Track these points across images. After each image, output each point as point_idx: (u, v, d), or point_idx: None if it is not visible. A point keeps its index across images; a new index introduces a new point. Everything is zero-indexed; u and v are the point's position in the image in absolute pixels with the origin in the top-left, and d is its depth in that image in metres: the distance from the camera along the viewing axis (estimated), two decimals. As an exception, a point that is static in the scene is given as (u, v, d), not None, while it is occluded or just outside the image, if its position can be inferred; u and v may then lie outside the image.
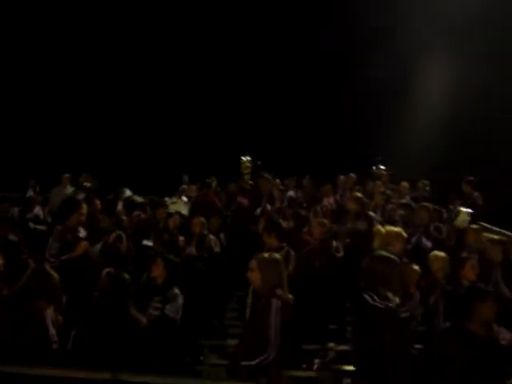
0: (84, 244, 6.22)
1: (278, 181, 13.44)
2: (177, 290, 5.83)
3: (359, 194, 9.55)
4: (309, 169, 13.88)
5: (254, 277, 4.56)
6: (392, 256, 4.90)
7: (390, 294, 4.62)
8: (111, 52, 17.92)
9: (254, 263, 4.61)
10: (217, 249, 8.21)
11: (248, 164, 12.41)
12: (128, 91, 17.83)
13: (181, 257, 7.34)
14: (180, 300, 5.84)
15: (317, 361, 6.96)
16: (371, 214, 8.92)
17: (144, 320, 4.60)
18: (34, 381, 4.26)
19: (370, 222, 8.61)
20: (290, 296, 4.68)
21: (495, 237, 6.98)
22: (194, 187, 12.28)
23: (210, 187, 11.26)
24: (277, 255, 4.90)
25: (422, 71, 15.90)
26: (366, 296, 4.56)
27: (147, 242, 7.79)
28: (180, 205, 10.15)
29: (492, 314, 4.24)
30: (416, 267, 5.84)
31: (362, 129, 16.58)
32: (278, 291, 4.53)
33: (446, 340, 4.28)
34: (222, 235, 8.96)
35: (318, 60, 17.54)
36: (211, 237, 8.22)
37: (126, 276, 4.78)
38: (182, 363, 6.10)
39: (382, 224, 8.51)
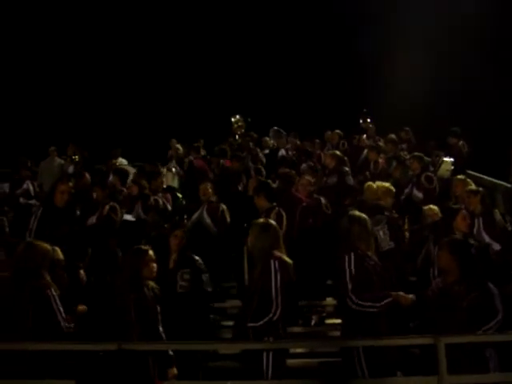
0: None
1: (266, 138, 13.43)
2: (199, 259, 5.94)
3: (337, 152, 9.68)
4: (299, 125, 13.92)
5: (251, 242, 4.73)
6: (363, 215, 5.01)
7: (369, 253, 4.79)
8: (94, 20, 17.57)
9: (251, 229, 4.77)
10: (228, 218, 8.02)
11: (240, 123, 12.19)
12: (114, 57, 17.59)
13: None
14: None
15: (314, 316, 7.20)
16: (346, 169, 9.12)
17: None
18: (42, 356, 4.39)
19: (341, 176, 8.79)
20: (288, 260, 4.81)
21: (473, 187, 6.94)
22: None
23: (199, 152, 11.14)
24: (270, 220, 5.05)
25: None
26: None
27: (130, 218, 7.78)
28: (169, 178, 9.99)
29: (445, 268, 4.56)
30: None
31: (348, 82, 16.53)
32: (275, 252, 4.69)
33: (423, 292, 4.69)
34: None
35: (305, 18, 17.38)
36: (223, 206, 8.04)
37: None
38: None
39: (374, 178, 8.68)
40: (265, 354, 4.47)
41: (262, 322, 4.52)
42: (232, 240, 7.78)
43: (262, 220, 5.02)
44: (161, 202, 8.34)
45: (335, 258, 4.80)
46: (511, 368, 4.26)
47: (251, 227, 4.84)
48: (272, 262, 4.60)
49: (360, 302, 4.52)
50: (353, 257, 4.64)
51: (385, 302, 4.54)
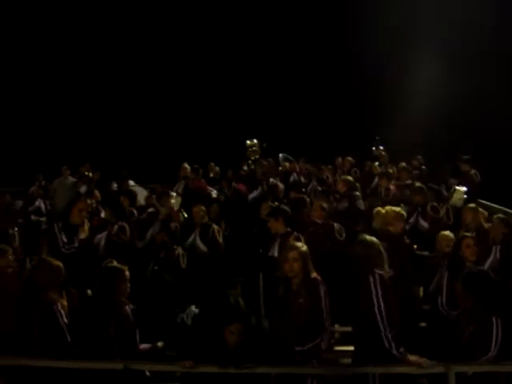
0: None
1: (285, 164, 13.37)
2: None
3: (349, 177, 9.66)
4: (310, 151, 13.94)
5: (296, 267, 4.64)
6: (372, 239, 4.93)
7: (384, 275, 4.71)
8: (106, 37, 17.83)
9: (295, 254, 4.67)
10: (220, 239, 7.95)
11: (255, 148, 12.09)
12: (127, 78, 17.79)
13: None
14: None
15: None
16: (357, 193, 9.10)
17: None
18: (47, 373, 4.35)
19: (352, 201, 8.76)
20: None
21: (500, 215, 6.89)
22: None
23: (198, 173, 11.16)
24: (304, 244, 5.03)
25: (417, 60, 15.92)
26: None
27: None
28: (178, 202, 9.98)
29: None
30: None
31: (361, 111, 16.60)
32: (319, 277, 4.70)
33: None
34: (222, 223, 8.80)
35: (316, 42, 17.54)
36: (214, 226, 7.98)
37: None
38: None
39: (384, 204, 8.62)
40: (309, 380, 4.41)
41: (311, 345, 4.44)
42: (246, 265, 7.73)
43: (302, 244, 4.95)
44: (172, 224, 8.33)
45: (353, 283, 4.70)
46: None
47: (298, 252, 4.71)
48: (321, 286, 4.59)
49: (393, 345, 4.30)
50: (377, 277, 4.53)
51: (401, 352, 4.37)
